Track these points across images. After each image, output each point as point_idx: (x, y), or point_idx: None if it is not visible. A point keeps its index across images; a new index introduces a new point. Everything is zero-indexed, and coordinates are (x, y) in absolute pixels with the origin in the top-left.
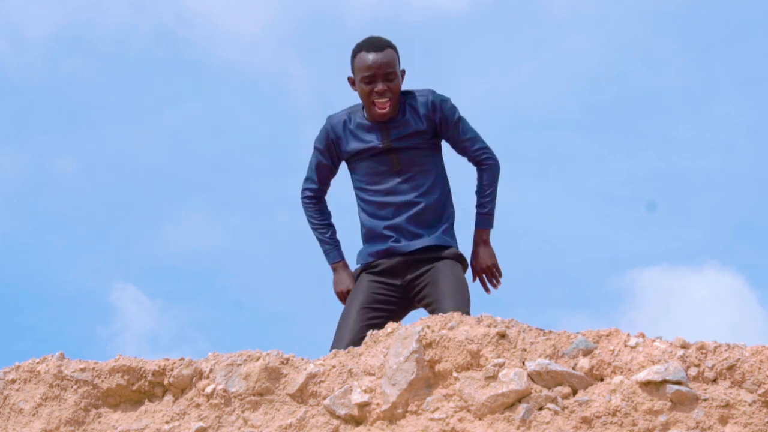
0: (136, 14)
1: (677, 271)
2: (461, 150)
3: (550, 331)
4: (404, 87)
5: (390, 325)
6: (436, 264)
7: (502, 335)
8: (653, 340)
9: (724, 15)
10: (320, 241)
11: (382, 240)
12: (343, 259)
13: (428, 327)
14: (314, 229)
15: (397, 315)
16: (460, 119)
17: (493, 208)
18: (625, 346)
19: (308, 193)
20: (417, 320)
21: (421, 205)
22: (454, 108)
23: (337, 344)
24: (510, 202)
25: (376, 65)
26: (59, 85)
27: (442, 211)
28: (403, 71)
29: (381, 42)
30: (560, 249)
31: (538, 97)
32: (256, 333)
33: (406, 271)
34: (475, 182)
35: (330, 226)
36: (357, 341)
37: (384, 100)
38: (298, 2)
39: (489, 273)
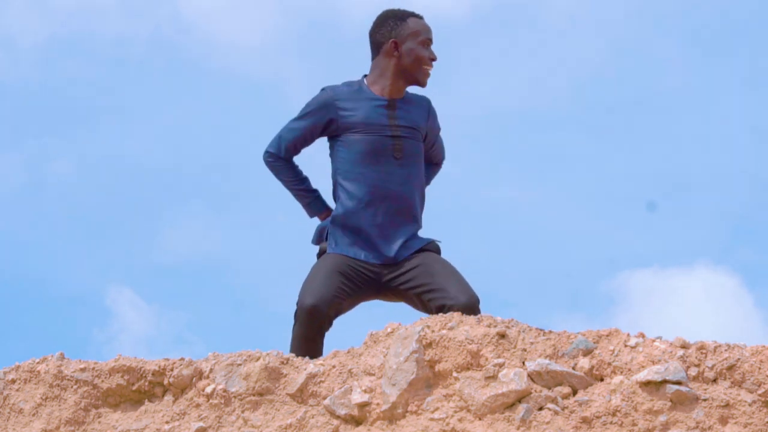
0: (133, 20)
1: (673, 272)
2: (433, 151)
3: (550, 331)
4: None
5: (390, 325)
6: (419, 254)
7: (502, 335)
8: (653, 340)
9: (724, 15)
10: (298, 194)
11: (366, 242)
12: (328, 207)
13: (428, 327)
14: (288, 184)
15: (361, 297)
16: (439, 132)
17: None
18: (625, 346)
19: (272, 155)
20: (417, 320)
21: (412, 201)
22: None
23: (306, 297)
24: (508, 201)
25: (432, 33)
26: (56, 88)
27: (421, 207)
28: None
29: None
30: (558, 250)
31: (538, 97)
32: (256, 333)
33: (386, 269)
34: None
35: (305, 180)
36: (328, 299)
37: (431, 68)
38: (297, 10)
39: None
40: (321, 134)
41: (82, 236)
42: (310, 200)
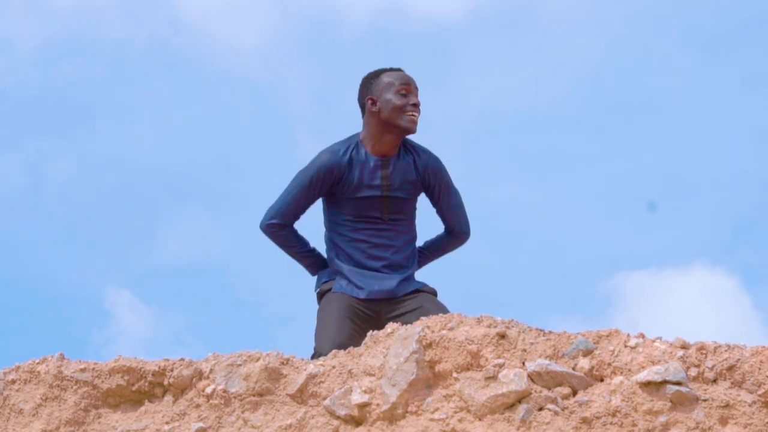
0: (132, 22)
1: (671, 273)
2: (445, 216)
3: (550, 332)
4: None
5: (390, 326)
6: (417, 296)
7: (502, 336)
8: (653, 341)
9: (724, 14)
10: (301, 258)
11: (364, 284)
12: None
13: (428, 327)
14: (291, 250)
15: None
16: (452, 187)
17: (423, 265)
18: (625, 346)
19: (276, 225)
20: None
21: (400, 257)
22: (448, 175)
23: (325, 344)
24: (509, 201)
25: (412, 82)
26: (55, 90)
27: (413, 260)
28: None
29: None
30: (557, 250)
31: (538, 97)
32: (256, 334)
33: (386, 306)
34: (437, 236)
35: (306, 243)
36: (345, 344)
37: (416, 113)
38: (296, 12)
39: None
40: (320, 196)
41: (80, 237)
42: (311, 262)
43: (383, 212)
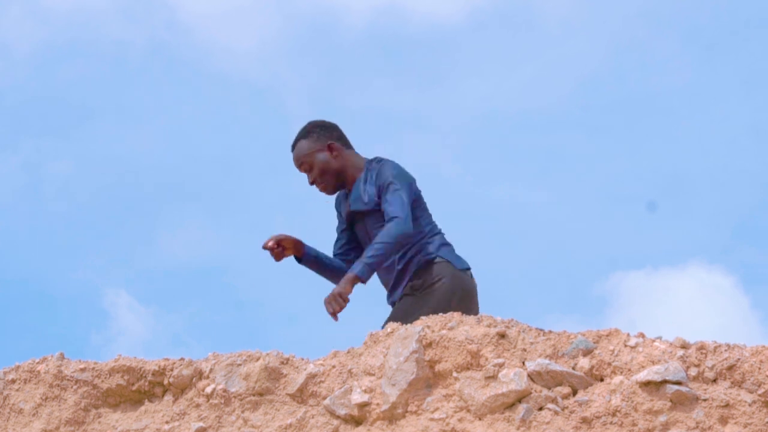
0: (130, 25)
1: (667, 273)
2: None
3: (550, 331)
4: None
5: (390, 326)
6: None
7: (502, 335)
8: (653, 341)
9: (724, 14)
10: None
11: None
12: (307, 252)
13: (428, 327)
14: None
15: None
16: (391, 185)
17: (369, 260)
18: (625, 346)
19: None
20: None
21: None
22: (391, 174)
23: None
24: (509, 201)
25: (294, 162)
26: (54, 92)
27: (401, 262)
28: (330, 145)
29: (296, 138)
30: (556, 250)
31: (538, 98)
32: (256, 334)
33: None
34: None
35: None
36: None
37: (317, 186)
38: (295, 15)
39: (328, 301)
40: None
41: (79, 238)
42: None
43: (363, 230)
